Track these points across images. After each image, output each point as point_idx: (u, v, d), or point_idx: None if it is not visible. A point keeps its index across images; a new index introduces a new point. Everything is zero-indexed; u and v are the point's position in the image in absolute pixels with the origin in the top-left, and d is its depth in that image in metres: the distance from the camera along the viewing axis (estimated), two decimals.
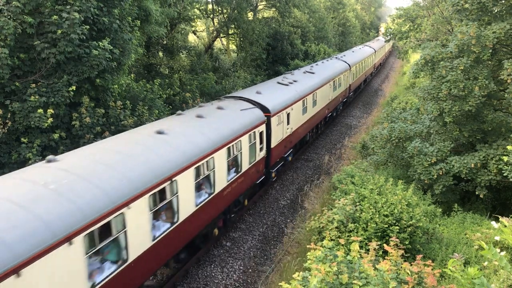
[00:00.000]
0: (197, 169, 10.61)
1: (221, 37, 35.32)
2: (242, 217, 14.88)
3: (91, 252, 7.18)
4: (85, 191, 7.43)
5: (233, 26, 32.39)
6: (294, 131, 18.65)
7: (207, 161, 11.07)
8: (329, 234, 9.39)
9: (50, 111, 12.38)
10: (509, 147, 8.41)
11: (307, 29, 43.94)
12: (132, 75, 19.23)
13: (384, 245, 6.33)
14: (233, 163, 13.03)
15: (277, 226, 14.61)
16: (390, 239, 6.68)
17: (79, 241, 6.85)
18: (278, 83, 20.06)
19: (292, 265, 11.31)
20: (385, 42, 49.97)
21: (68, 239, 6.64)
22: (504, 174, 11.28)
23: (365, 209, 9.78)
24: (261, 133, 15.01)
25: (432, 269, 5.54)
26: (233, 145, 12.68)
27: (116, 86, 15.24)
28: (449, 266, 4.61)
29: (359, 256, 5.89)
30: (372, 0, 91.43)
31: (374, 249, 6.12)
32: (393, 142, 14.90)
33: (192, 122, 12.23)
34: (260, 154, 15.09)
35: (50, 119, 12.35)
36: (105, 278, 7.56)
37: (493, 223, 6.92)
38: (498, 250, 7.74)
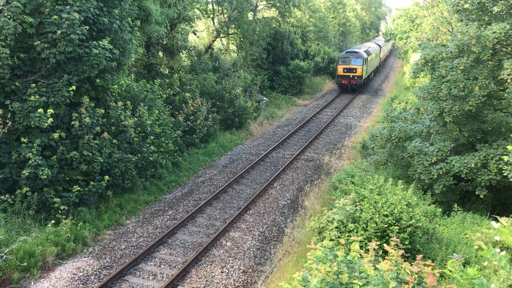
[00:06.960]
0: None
1: (221, 37, 35.27)
2: (243, 217, 14.90)
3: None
4: None
5: (233, 26, 32.35)
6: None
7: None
8: (329, 234, 9.38)
9: (50, 111, 12.38)
10: (509, 147, 8.41)
11: (307, 29, 43.95)
12: (133, 75, 19.22)
13: (384, 245, 6.33)
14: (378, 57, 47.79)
15: (277, 226, 14.62)
16: (390, 239, 6.67)
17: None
18: (375, 43, 52.08)
19: (292, 265, 11.31)
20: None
21: None
22: (504, 174, 11.27)
23: (365, 209, 9.77)
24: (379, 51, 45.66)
25: (432, 269, 5.54)
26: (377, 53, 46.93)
27: (116, 86, 15.24)
28: (448, 267, 4.60)
29: (359, 256, 5.89)
30: (372, 0, 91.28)
31: (374, 249, 6.12)
32: (393, 141, 14.88)
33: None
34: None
35: (50, 119, 12.36)
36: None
37: (493, 223, 6.91)
38: (498, 250, 7.75)
